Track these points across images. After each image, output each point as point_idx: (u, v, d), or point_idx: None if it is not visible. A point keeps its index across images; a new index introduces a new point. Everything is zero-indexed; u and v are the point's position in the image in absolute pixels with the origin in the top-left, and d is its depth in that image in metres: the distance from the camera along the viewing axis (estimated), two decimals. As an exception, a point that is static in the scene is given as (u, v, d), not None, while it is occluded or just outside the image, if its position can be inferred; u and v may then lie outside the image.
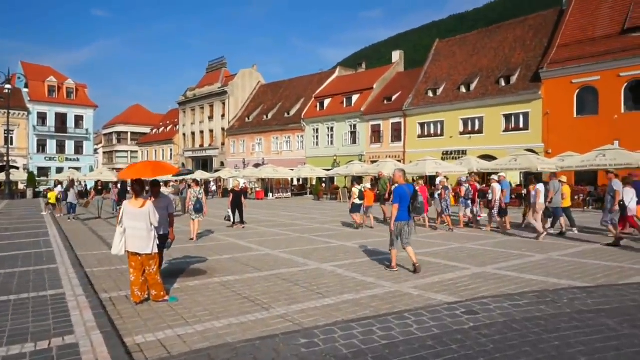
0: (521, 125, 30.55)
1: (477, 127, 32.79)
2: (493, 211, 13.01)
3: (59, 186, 22.72)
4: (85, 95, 61.77)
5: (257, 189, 38.89)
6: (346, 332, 4.26)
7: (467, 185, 13.95)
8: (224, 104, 60.04)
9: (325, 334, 4.22)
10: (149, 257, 5.74)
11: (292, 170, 39.90)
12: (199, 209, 12.34)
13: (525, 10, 37.91)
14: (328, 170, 37.07)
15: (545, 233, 11.23)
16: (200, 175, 47.78)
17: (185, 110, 67.49)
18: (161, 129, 79.17)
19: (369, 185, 15.78)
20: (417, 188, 11.91)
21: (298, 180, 44.78)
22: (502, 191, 12.82)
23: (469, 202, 13.94)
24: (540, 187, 11.34)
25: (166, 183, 23.02)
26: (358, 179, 19.02)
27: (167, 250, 6.99)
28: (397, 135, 38.05)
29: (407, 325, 4.37)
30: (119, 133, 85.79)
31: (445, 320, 4.51)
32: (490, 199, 13.01)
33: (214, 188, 46.55)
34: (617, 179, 10.34)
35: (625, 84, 26.55)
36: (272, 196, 38.24)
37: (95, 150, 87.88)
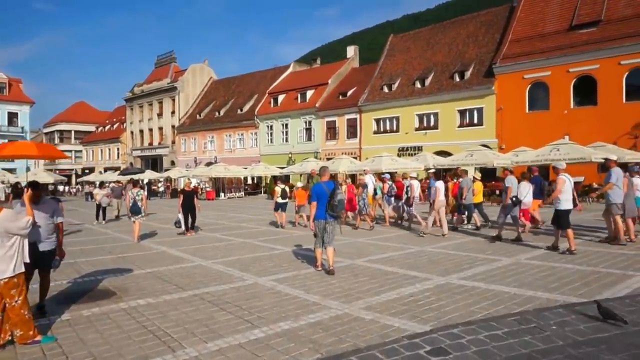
0: (475, 121, 30.41)
1: (432, 123, 32.43)
2: (411, 208, 12.98)
3: None
4: (20, 91, 57.16)
5: (208, 189, 36.94)
6: (268, 394, 3.00)
7: (390, 182, 14.03)
8: (173, 100, 57.26)
9: (237, 399, 2.94)
10: (8, 285, 4.22)
11: (246, 168, 38.21)
12: (136, 210, 11.89)
13: (477, 10, 38.07)
14: (282, 168, 35.67)
15: (426, 232, 11.42)
16: (149, 175, 45.17)
17: (132, 107, 64.00)
18: (107, 127, 74.91)
19: (300, 184, 15.57)
20: (343, 186, 11.54)
21: (252, 179, 43.11)
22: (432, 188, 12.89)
23: (392, 199, 13.98)
24: (439, 184, 11.62)
25: (101, 184, 20.72)
26: (282, 178, 19.94)
27: (54, 271, 5.47)
28: (352, 131, 37.19)
29: (354, 379, 3.17)
30: (61, 132, 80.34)
31: (405, 365, 3.35)
32: (408, 195, 12.81)
33: (162, 189, 44.01)
34: (512, 175, 10.61)
35: (574, 80, 26.83)
36: (224, 196, 36.45)
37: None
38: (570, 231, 8.27)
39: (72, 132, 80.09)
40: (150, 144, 60.44)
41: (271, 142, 44.01)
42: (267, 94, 46.27)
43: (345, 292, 6.08)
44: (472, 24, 34.62)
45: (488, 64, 30.16)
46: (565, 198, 8.28)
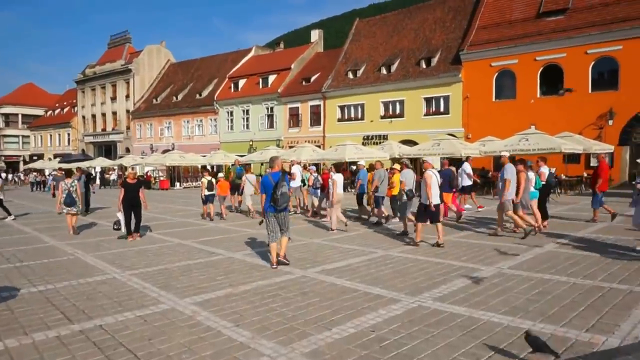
0: (442, 109, 29.52)
1: (397, 111, 31.34)
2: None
3: None
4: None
5: (162, 178, 34.64)
6: None
7: (315, 174, 14.04)
8: (128, 83, 53.93)
9: None
10: None
11: (204, 156, 36.05)
12: (69, 202, 11.17)
13: None
14: (242, 156, 33.77)
15: (334, 228, 10.99)
16: (101, 162, 42.23)
17: (84, 90, 60.07)
18: (57, 111, 70.24)
19: (221, 175, 15.37)
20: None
21: (212, 167, 40.98)
22: (357, 180, 12.86)
23: (318, 191, 13.93)
24: (337, 177, 11.34)
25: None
26: (208, 169, 19.58)
27: None
28: (316, 119, 35.69)
29: None
30: (6, 115, 74.74)
31: None
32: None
33: (113, 177, 41.20)
34: (408, 169, 10.61)
35: (541, 68, 26.27)
36: (180, 185, 34.29)
37: (-23, 135, 76.23)
38: (440, 225, 8.64)
39: (19, 116, 74.84)
40: (104, 129, 56.95)
41: (231, 128, 41.93)
42: (227, 79, 44.04)
43: (287, 323, 4.60)
44: (439, 9, 33.57)
45: (455, 50, 29.23)
46: (432, 193, 8.52)
